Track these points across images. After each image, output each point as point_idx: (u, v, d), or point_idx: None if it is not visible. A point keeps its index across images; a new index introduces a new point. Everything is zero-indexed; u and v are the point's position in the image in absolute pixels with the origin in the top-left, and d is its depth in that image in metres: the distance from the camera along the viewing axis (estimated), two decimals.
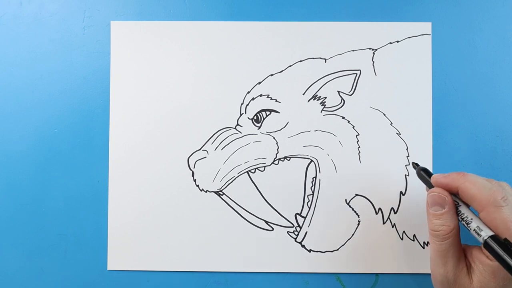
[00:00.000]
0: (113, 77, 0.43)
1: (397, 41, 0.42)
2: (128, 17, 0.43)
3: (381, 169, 0.42)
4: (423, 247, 0.41)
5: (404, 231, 0.42)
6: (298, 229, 0.42)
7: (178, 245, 0.42)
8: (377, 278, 0.42)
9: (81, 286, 0.42)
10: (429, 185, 0.35)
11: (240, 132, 0.42)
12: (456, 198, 0.34)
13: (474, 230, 0.31)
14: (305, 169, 0.42)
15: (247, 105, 0.42)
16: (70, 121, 0.43)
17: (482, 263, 0.31)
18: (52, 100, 0.43)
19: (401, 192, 0.42)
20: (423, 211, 0.41)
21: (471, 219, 0.32)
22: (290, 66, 0.42)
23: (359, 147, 0.42)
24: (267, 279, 0.42)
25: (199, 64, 0.43)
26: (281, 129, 0.42)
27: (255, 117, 0.42)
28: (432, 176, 0.35)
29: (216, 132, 0.42)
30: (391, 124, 0.42)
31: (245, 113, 0.42)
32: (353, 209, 0.42)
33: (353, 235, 0.42)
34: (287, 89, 0.42)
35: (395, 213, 0.42)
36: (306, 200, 0.42)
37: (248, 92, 0.42)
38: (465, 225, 0.32)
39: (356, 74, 0.42)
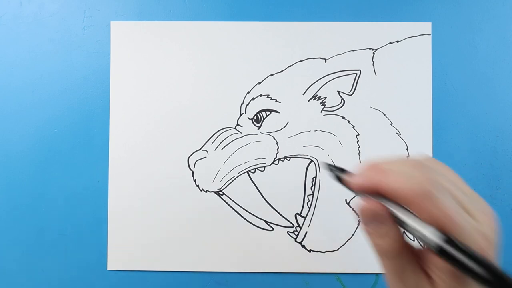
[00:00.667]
0: (113, 77, 0.43)
1: (397, 41, 0.42)
2: (128, 17, 0.43)
3: None
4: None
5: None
6: (298, 229, 0.42)
7: (178, 245, 0.42)
8: (377, 278, 0.42)
9: (81, 286, 0.42)
10: (348, 188, 0.27)
11: (240, 132, 0.42)
12: (383, 199, 0.26)
13: (415, 233, 0.24)
14: (305, 169, 0.42)
15: (247, 105, 0.42)
16: (70, 121, 0.43)
17: (438, 266, 0.25)
18: (52, 100, 0.43)
19: None
20: None
21: (404, 221, 0.25)
22: (290, 66, 0.42)
23: (359, 147, 0.42)
24: (267, 279, 0.42)
25: (199, 64, 0.43)
26: (281, 129, 0.42)
27: (255, 117, 0.42)
28: (347, 181, 0.27)
29: (216, 132, 0.42)
30: (391, 124, 0.42)
31: (245, 113, 0.42)
32: (353, 209, 0.42)
33: (353, 235, 0.42)
34: (287, 89, 0.42)
35: None
36: (306, 200, 0.42)
37: (248, 92, 0.42)
38: (404, 229, 0.25)
39: (356, 74, 0.42)
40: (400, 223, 0.25)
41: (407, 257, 0.26)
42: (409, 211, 0.25)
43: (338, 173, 0.28)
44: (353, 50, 0.42)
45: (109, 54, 0.43)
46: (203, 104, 0.42)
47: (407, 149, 0.42)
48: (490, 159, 0.42)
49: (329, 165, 0.29)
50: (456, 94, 0.42)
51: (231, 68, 0.42)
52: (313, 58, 0.42)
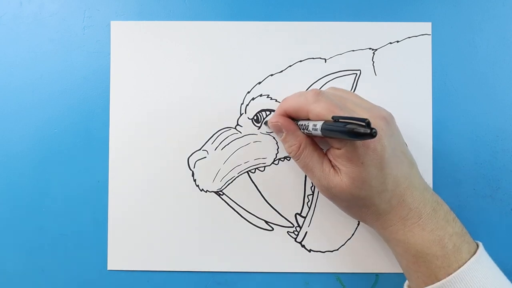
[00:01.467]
0: (113, 77, 0.43)
1: (397, 41, 0.42)
2: (128, 17, 0.43)
3: None
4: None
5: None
6: (298, 229, 0.42)
7: (178, 245, 0.42)
8: (377, 278, 0.42)
9: (81, 286, 0.42)
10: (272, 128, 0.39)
11: (240, 132, 0.42)
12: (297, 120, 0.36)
13: (312, 129, 0.33)
14: None
15: (247, 105, 0.42)
16: (70, 121, 0.43)
17: (337, 156, 0.33)
18: (52, 100, 0.43)
19: None
20: None
21: (307, 124, 0.34)
22: (290, 66, 0.42)
23: None
24: (267, 279, 0.42)
25: (199, 64, 0.43)
26: None
27: (255, 117, 0.42)
28: (268, 122, 0.40)
29: (216, 132, 0.42)
30: None
31: (245, 113, 0.42)
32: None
33: (353, 235, 0.42)
34: (287, 89, 0.42)
35: None
36: (306, 200, 0.42)
37: (248, 92, 0.42)
38: (310, 132, 0.33)
39: (356, 74, 0.42)
40: (302, 128, 0.35)
41: (309, 154, 0.35)
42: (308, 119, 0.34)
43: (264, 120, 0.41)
44: (353, 50, 0.42)
45: (109, 54, 0.43)
46: (203, 104, 0.42)
47: None
48: (490, 159, 0.42)
49: (266, 121, 0.41)
50: (456, 94, 0.42)
51: (231, 68, 0.42)
52: (313, 58, 0.42)
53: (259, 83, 0.42)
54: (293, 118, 0.37)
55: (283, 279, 0.42)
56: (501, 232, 0.42)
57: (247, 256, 0.42)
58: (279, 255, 0.42)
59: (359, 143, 0.31)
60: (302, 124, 0.35)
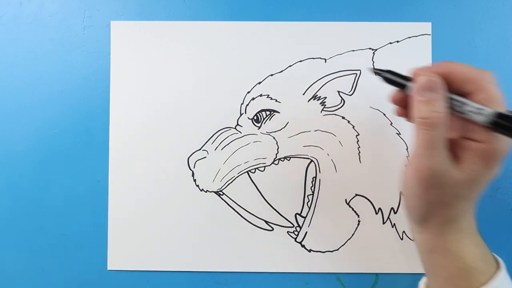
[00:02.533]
0: (113, 77, 0.43)
1: (397, 41, 0.42)
2: (128, 17, 0.43)
3: (381, 169, 0.42)
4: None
5: (404, 231, 0.42)
6: (298, 229, 0.42)
7: (178, 245, 0.42)
8: (377, 278, 0.42)
9: (81, 286, 0.42)
10: (401, 86, 0.32)
11: (240, 132, 0.42)
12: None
13: (474, 111, 0.28)
14: (305, 169, 0.42)
15: (247, 105, 0.42)
16: (70, 121, 0.43)
17: (471, 149, 0.29)
18: (52, 100, 0.43)
19: (401, 192, 0.42)
20: None
21: (465, 102, 0.29)
22: (290, 66, 0.42)
23: (359, 147, 0.42)
24: (267, 279, 0.42)
25: (199, 64, 0.43)
26: (281, 129, 0.42)
27: (255, 117, 0.42)
28: (413, 71, 0.32)
29: (216, 132, 0.42)
30: (391, 124, 0.42)
31: (245, 113, 0.42)
32: (353, 209, 0.42)
33: (353, 235, 0.42)
34: (287, 89, 0.42)
35: (395, 213, 0.42)
36: (306, 200, 0.42)
37: (248, 92, 0.42)
38: (459, 110, 0.29)
39: (356, 74, 0.42)
40: (452, 104, 0.29)
41: (444, 133, 0.29)
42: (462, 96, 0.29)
43: (394, 76, 0.33)
44: (353, 50, 0.42)
45: (109, 54, 0.43)
46: (203, 104, 0.42)
47: (407, 149, 0.42)
48: None
49: (380, 70, 0.34)
50: None
51: (231, 68, 0.42)
52: (313, 58, 0.42)
53: (259, 83, 0.42)
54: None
55: (283, 279, 0.42)
56: (501, 232, 0.42)
57: (247, 256, 0.42)
58: (279, 255, 0.42)
59: (504, 144, 0.28)
60: (454, 99, 0.29)
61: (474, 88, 0.29)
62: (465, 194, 0.30)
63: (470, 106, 0.28)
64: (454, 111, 0.29)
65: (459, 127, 0.30)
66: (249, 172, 0.42)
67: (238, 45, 0.43)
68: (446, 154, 0.29)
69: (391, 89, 0.32)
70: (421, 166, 0.29)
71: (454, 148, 0.30)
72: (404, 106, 0.33)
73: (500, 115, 0.27)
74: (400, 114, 0.34)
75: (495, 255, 0.33)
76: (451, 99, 0.29)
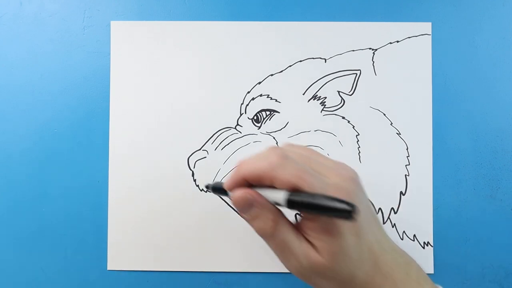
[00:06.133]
0: (113, 77, 0.43)
1: (397, 41, 0.42)
2: (128, 17, 0.43)
3: (381, 169, 0.42)
4: (423, 247, 0.41)
5: (404, 231, 0.42)
6: None
7: (178, 245, 0.42)
8: None
9: (81, 286, 0.42)
10: (226, 193, 0.31)
11: (240, 132, 0.42)
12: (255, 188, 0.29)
13: (273, 201, 0.27)
14: None
15: (247, 105, 0.42)
16: (70, 121, 0.43)
17: (311, 228, 0.28)
18: (52, 100, 0.43)
19: (401, 192, 0.42)
20: (423, 211, 0.41)
21: (266, 194, 0.28)
22: (290, 66, 0.42)
23: (359, 147, 0.42)
24: (267, 279, 0.42)
25: (199, 64, 0.43)
26: (281, 129, 0.42)
27: (255, 117, 0.42)
28: (224, 184, 0.30)
29: (216, 132, 0.42)
30: (391, 124, 0.42)
31: (245, 113, 0.42)
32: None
33: None
34: (287, 89, 0.42)
35: (395, 213, 0.42)
36: None
37: (248, 92, 0.42)
38: (277, 205, 0.28)
39: (356, 74, 0.42)
40: (272, 202, 0.28)
41: (286, 233, 0.28)
42: (272, 187, 0.28)
43: (218, 188, 0.32)
44: (353, 50, 0.42)
45: (109, 54, 0.43)
46: (203, 104, 0.42)
47: (407, 149, 0.42)
48: (490, 159, 0.42)
49: (208, 185, 0.34)
50: (456, 94, 0.42)
51: (231, 68, 0.42)
52: (313, 58, 0.42)
53: (259, 83, 0.42)
54: (251, 186, 0.29)
55: (283, 279, 0.42)
56: (501, 232, 0.42)
57: (247, 256, 0.42)
58: None
59: None
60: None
61: (269, 181, 0.27)
62: (344, 268, 0.28)
63: (271, 197, 0.28)
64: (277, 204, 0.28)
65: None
66: None
67: (238, 45, 0.43)
68: (300, 245, 0.28)
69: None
70: (290, 269, 0.29)
71: (304, 233, 0.29)
72: None
73: (292, 196, 0.26)
74: None
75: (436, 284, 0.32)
76: (265, 198, 0.28)
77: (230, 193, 0.30)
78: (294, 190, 0.26)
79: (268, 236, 0.29)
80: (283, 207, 0.27)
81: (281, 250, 0.29)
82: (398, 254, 0.30)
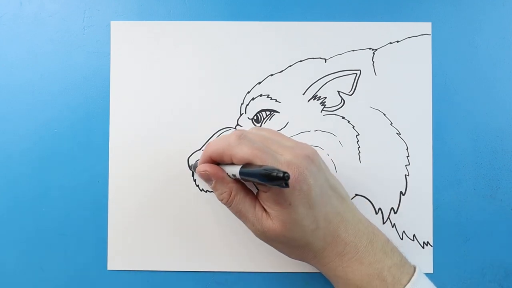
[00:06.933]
0: (113, 77, 0.43)
1: (397, 41, 0.42)
2: (128, 17, 0.43)
3: (381, 169, 0.42)
4: (423, 247, 0.41)
5: (404, 231, 0.42)
6: None
7: (178, 245, 0.42)
8: None
9: (81, 286, 0.42)
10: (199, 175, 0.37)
11: None
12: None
13: (232, 175, 0.33)
14: None
15: (247, 105, 0.42)
16: (70, 121, 0.43)
17: (265, 199, 0.32)
18: (52, 100, 0.43)
19: (401, 192, 0.42)
20: (423, 211, 0.41)
21: (230, 169, 0.33)
22: (290, 66, 0.42)
23: (359, 147, 0.42)
24: (267, 279, 0.42)
25: (199, 64, 0.43)
26: (281, 129, 0.42)
27: (255, 117, 0.42)
28: (197, 169, 0.36)
29: (216, 132, 0.42)
30: (391, 124, 0.42)
31: (245, 113, 0.42)
32: None
33: None
34: (287, 89, 0.42)
35: (395, 213, 0.42)
36: None
37: (248, 92, 0.42)
38: (236, 177, 0.33)
39: (356, 74, 0.42)
40: (232, 176, 0.33)
41: (241, 200, 0.34)
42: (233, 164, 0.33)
43: (195, 167, 0.38)
44: (353, 50, 0.42)
45: (109, 54, 0.43)
46: (203, 104, 0.42)
47: (407, 149, 0.42)
48: (490, 159, 0.42)
49: (190, 166, 0.41)
50: (456, 94, 0.42)
51: (231, 68, 0.42)
52: (313, 58, 0.42)
53: (259, 83, 0.42)
54: (219, 163, 0.36)
55: (283, 279, 0.42)
56: (501, 232, 0.42)
57: (247, 256, 0.42)
58: (279, 255, 0.42)
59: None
60: (226, 169, 0.35)
61: (229, 158, 0.33)
62: (298, 234, 0.32)
63: (231, 171, 0.33)
64: (234, 177, 0.33)
65: (253, 186, 0.35)
66: None
67: (238, 45, 0.43)
68: (256, 212, 0.33)
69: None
70: (249, 229, 0.35)
71: (262, 203, 0.33)
72: None
73: (242, 169, 0.31)
74: None
75: (410, 263, 0.34)
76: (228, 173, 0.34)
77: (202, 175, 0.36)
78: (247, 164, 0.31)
79: (227, 204, 0.35)
80: (242, 180, 0.32)
81: (239, 216, 0.35)
82: (363, 226, 0.34)
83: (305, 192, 0.31)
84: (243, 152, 0.31)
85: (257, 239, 0.41)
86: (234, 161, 0.32)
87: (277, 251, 0.41)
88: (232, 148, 0.32)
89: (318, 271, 0.42)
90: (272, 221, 0.32)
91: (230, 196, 0.34)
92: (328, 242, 0.33)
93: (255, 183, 0.32)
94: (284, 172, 0.26)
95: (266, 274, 0.42)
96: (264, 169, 0.27)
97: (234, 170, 0.32)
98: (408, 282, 0.31)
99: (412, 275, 0.32)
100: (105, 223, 0.42)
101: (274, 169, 0.27)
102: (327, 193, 0.33)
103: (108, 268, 0.42)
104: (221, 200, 0.35)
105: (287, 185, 0.27)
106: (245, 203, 0.34)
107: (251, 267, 0.42)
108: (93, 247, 0.42)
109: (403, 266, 0.33)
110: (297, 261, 0.42)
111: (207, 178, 0.35)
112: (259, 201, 0.34)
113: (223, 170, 0.35)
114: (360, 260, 0.32)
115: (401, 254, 0.34)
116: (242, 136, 0.32)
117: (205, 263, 0.42)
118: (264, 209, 0.33)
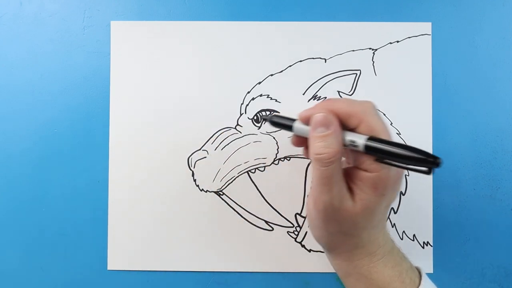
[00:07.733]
0: (113, 77, 0.43)
1: (397, 41, 0.42)
2: (128, 17, 0.43)
3: None
4: (423, 247, 0.41)
5: (404, 231, 0.42)
6: (298, 229, 0.42)
7: (178, 245, 0.42)
8: None
9: (81, 286, 0.42)
10: (287, 127, 0.34)
11: (240, 132, 0.42)
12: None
13: (350, 142, 0.30)
14: (305, 169, 0.42)
15: (247, 105, 0.42)
16: (70, 121, 0.43)
17: (362, 179, 0.30)
18: (52, 100, 0.43)
19: (401, 192, 0.42)
20: (423, 211, 0.41)
21: (347, 135, 0.30)
22: (290, 66, 0.42)
23: None
24: (267, 279, 0.42)
25: (199, 64, 0.43)
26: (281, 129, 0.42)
27: (255, 117, 0.42)
28: (299, 114, 0.33)
29: (216, 132, 0.42)
30: (391, 124, 0.42)
31: (245, 113, 0.42)
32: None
33: None
34: (287, 89, 0.42)
35: (395, 213, 0.42)
36: (306, 200, 0.42)
37: (248, 92, 0.42)
38: (346, 144, 0.30)
39: (356, 74, 0.42)
40: (343, 138, 0.30)
41: (338, 167, 0.30)
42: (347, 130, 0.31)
43: (282, 118, 0.35)
44: (353, 50, 0.42)
45: (109, 54, 0.43)
46: (203, 104, 0.42)
47: None
48: (490, 159, 0.42)
49: (266, 117, 0.38)
50: (456, 94, 0.42)
51: (231, 68, 0.42)
52: (313, 58, 0.42)
53: (259, 83, 0.42)
54: None
55: (283, 279, 0.42)
56: (501, 232, 0.42)
57: (247, 256, 0.42)
58: (279, 255, 0.42)
59: (394, 173, 0.29)
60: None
61: (356, 122, 0.30)
62: (363, 223, 0.31)
63: (348, 139, 0.30)
64: (345, 145, 0.30)
65: (352, 159, 0.32)
66: (249, 172, 0.42)
67: (238, 45, 0.43)
68: (342, 188, 0.30)
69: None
70: (318, 200, 0.30)
71: (350, 180, 0.31)
72: (306, 147, 0.34)
73: (370, 140, 0.29)
74: (305, 155, 0.36)
75: (418, 268, 0.34)
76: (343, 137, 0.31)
77: (294, 125, 0.33)
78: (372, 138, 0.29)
79: (324, 163, 0.30)
80: (356, 149, 0.30)
81: (323, 183, 0.30)
82: (387, 232, 0.34)
83: (398, 190, 0.31)
84: (380, 124, 0.30)
85: (257, 239, 0.41)
86: (363, 129, 0.30)
87: (276, 251, 0.41)
88: (367, 114, 0.30)
89: (318, 271, 0.42)
90: (354, 203, 0.30)
91: (335, 155, 0.29)
92: (370, 241, 0.32)
93: (359, 158, 0.30)
94: (437, 158, 0.25)
95: (266, 274, 0.42)
96: (415, 149, 0.26)
97: (354, 136, 0.29)
98: (419, 285, 0.32)
99: (419, 276, 0.33)
100: (105, 223, 0.42)
101: (427, 152, 0.25)
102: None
103: (108, 268, 0.42)
104: (321, 155, 0.29)
105: (430, 172, 0.25)
106: (339, 172, 0.30)
107: (251, 267, 0.42)
108: (93, 247, 0.42)
109: (414, 269, 0.33)
110: (297, 261, 0.42)
111: (325, 124, 0.30)
112: (344, 176, 0.31)
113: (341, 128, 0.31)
114: (385, 262, 0.32)
115: (409, 260, 0.35)
116: (376, 108, 0.31)
117: (205, 263, 0.42)
118: (349, 188, 0.31)
